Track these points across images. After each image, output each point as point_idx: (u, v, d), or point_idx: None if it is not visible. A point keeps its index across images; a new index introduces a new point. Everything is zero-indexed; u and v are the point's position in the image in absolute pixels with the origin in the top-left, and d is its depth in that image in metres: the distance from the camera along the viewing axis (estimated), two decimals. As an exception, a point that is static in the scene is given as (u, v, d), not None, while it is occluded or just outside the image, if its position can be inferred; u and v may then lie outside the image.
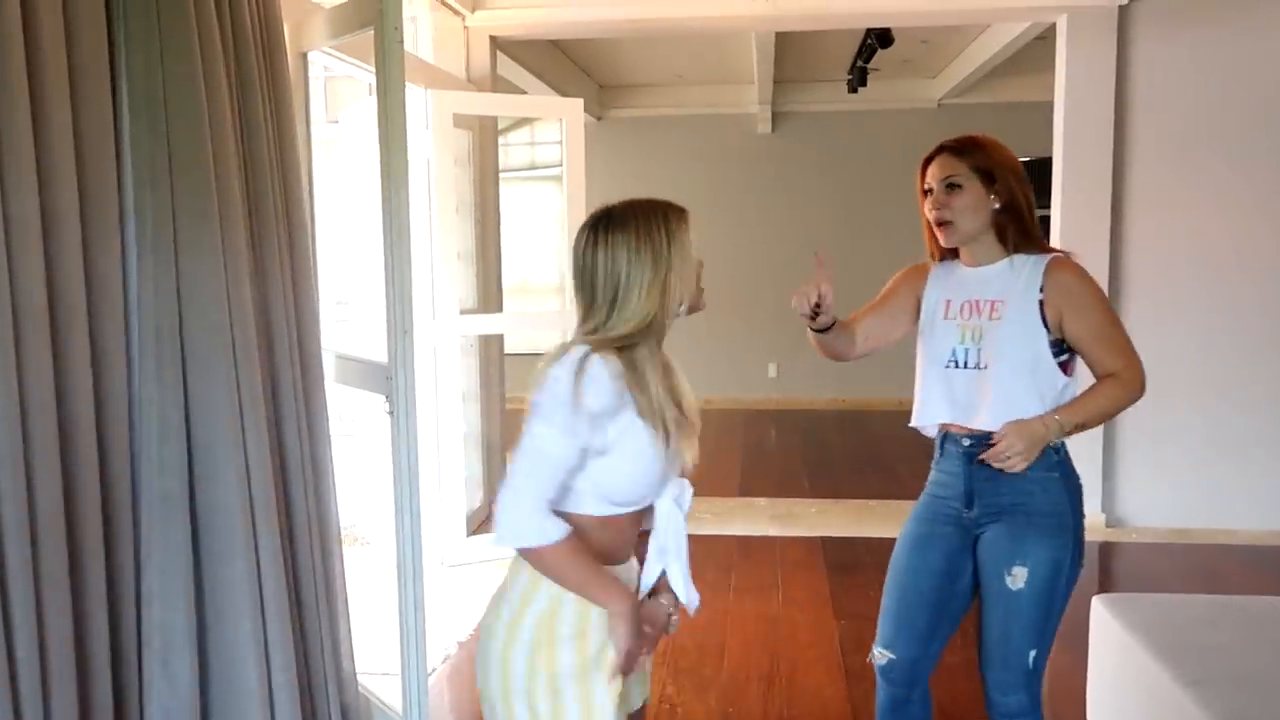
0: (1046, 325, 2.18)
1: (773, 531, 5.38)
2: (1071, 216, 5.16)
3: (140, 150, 2.26)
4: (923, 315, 2.36)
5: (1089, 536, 5.41)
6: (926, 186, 2.29)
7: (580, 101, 5.16)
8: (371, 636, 3.58)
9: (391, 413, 2.71)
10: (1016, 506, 2.20)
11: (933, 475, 2.37)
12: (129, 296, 2.28)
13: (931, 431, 2.36)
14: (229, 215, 2.40)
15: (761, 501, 5.99)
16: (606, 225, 1.74)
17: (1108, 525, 5.24)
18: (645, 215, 1.73)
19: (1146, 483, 5.27)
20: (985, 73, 7.34)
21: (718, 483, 6.49)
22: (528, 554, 1.68)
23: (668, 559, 1.80)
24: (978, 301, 2.24)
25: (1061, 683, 3.45)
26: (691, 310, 1.81)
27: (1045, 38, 5.66)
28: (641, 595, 1.80)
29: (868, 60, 6.85)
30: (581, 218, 5.64)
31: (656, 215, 1.73)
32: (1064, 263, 2.21)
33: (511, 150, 9.30)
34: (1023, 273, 2.21)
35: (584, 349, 1.67)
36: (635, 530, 1.79)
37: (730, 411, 8.97)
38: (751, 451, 7.56)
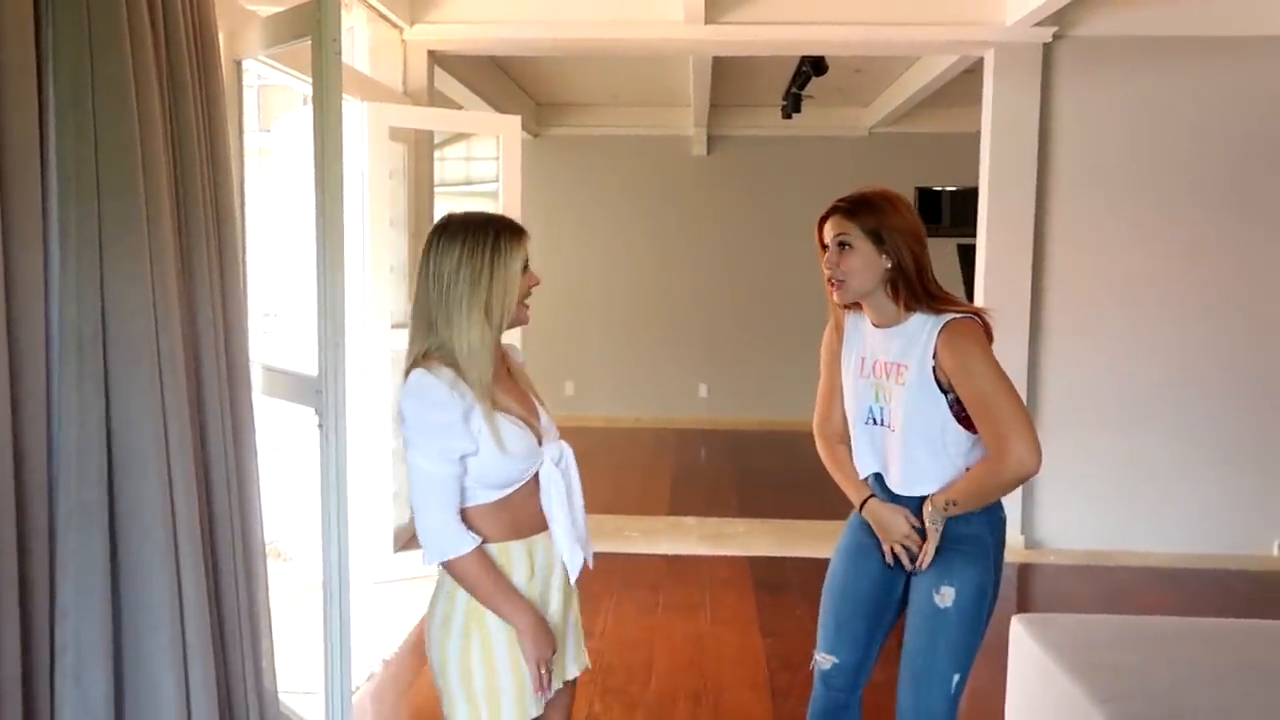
0: (943, 388, 2.21)
1: (701, 551, 5.40)
2: (996, 246, 5.31)
3: (66, 151, 2.21)
4: (843, 371, 2.42)
5: (1009, 558, 5.52)
6: (824, 243, 2.32)
7: (518, 118, 5.17)
8: (291, 654, 3.52)
9: (321, 426, 2.67)
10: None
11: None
12: (50, 301, 2.22)
13: None
14: (157, 220, 2.35)
15: (690, 521, 6.02)
16: (439, 238, 1.85)
17: (1027, 547, 5.36)
18: (475, 232, 1.82)
19: (1064, 507, 5.42)
20: (916, 103, 7.52)
21: (647, 502, 6.50)
22: (447, 567, 1.86)
23: (553, 519, 1.91)
24: (885, 363, 2.29)
25: (981, 701, 3.52)
26: (513, 325, 1.89)
27: (974, 71, 5.82)
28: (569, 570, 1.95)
29: (802, 87, 6.96)
30: (517, 234, 5.50)
31: (484, 238, 1.82)
32: (955, 328, 2.19)
33: (447, 165, 9.25)
34: (920, 337, 2.23)
35: (415, 373, 1.81)
36: (535, 501, 1.90)
37: (661, 431, 9.00)
38: (681, 471, 7.59)
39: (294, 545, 4.97)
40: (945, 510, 2.20)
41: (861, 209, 2.26)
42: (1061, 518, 5.42)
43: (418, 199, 5.34)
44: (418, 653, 4.00)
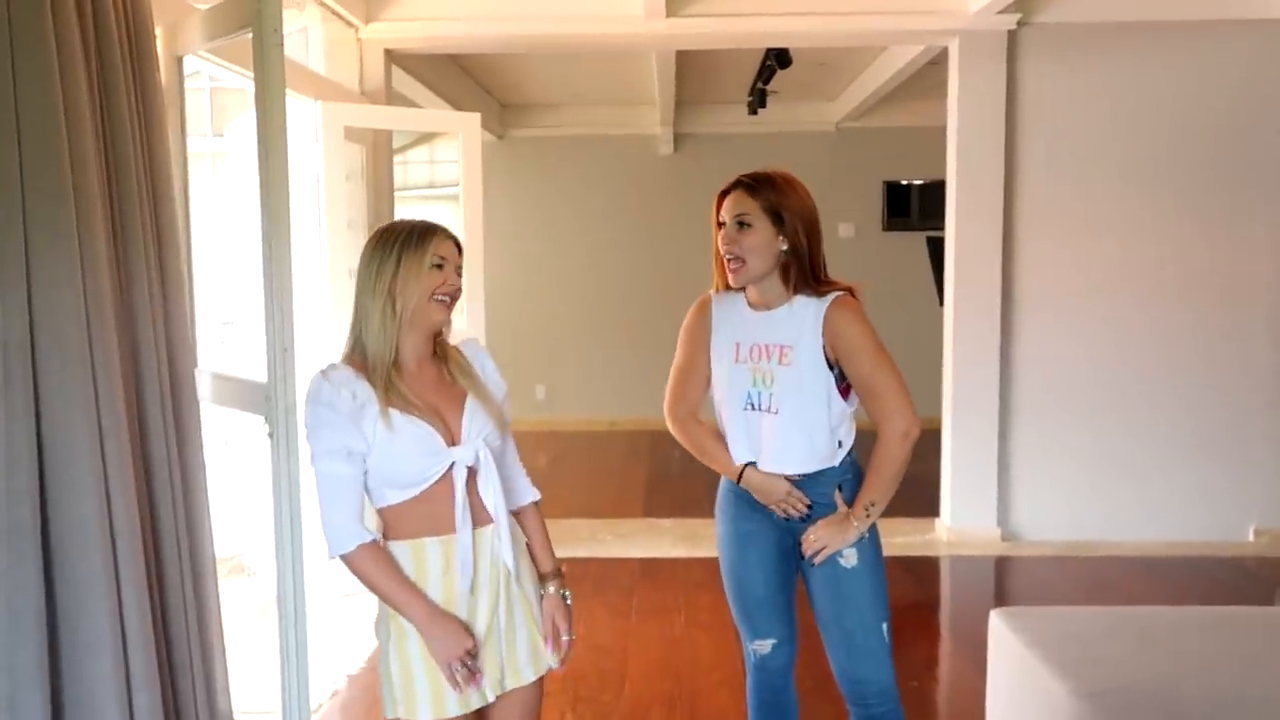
0: (831, 365, 2.24)
1: (676, 553, 5.31)
2: (966, 237, 5.26)
3: (-14, 150, 2.09)
4: (714, 356, 2.38)
5: (985, 551, 5.45)
6: (721, 219, 2.30)
7: (477, 116, 5.06)
8: (255, 673, 3.41)
9: (271, 434, 2.56)
10: (825, 508, 2.30)
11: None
12: (-28, 309, 2.10)
13: None
14: (88, 222, 2.23)
15: (665, 522, 5.92)
16: (366, 242, 1.89)
17: (1003, 539, 5.31)
18: (391, 229, 1.87)
19: (1040, 497, 5.37)
20: (881, 96, 7.47)
21: (621, 505, 6.41)
22: (344, 564, 1.83)
23: (457, 521, 1.86)
24: (766, 346, 2.27)
25: (961, 696, 3.45)
26: (428, 325, 1.89)
27: (938, 63, 5.77)
28: (508, 566, 1.92)
29: (767, 81, 6.89)
30: (480, 235, 5.47)
31: (395, 236, 1.85)
32: (840, 304, 2.24)
33: (410, 168, 9.12)
34: (806, 317, 2.24)
35: (313, 377, 1.83)
36: (448, 499, 1.86)
37: (635, 433, 8.91)
38: (656, 472, 7.50)
39: (259, 559, 4.84)
40: (868, 514, 2.25)
41: (763, 186, 2.26)
42: (1037, 509, 5.38)
43: (377, 201, 5.22)
44: (385, 667, 3.88)
